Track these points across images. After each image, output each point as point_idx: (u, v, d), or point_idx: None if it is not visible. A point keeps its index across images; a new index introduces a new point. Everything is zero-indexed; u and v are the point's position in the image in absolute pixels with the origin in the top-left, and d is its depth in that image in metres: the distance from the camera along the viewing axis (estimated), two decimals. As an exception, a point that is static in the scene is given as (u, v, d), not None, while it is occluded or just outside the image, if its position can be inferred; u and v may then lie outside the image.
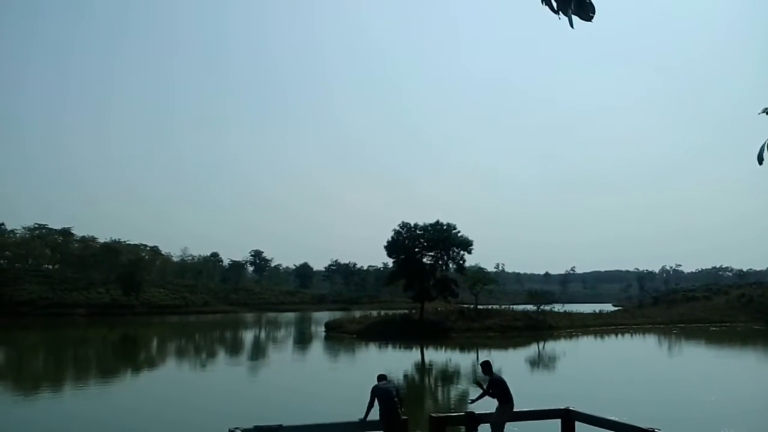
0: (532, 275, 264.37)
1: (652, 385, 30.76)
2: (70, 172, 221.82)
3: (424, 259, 67.56)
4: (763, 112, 4.60)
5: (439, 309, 72.20)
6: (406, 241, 67.00)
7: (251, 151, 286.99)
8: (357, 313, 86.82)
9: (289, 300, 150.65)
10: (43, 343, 60.77)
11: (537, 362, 43.37)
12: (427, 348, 51.16)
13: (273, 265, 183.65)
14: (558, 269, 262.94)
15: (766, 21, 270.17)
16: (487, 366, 12.37)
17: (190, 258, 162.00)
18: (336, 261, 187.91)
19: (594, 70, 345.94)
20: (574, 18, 3.60)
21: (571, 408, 11.37)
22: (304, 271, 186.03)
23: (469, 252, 67.23)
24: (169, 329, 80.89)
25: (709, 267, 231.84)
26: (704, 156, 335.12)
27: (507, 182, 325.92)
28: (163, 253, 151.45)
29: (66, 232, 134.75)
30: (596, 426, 10.81)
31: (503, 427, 11.40)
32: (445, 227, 66.59)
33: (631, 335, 64.49)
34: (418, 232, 67.11)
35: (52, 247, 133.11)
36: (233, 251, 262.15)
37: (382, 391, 11.04)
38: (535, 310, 70.16)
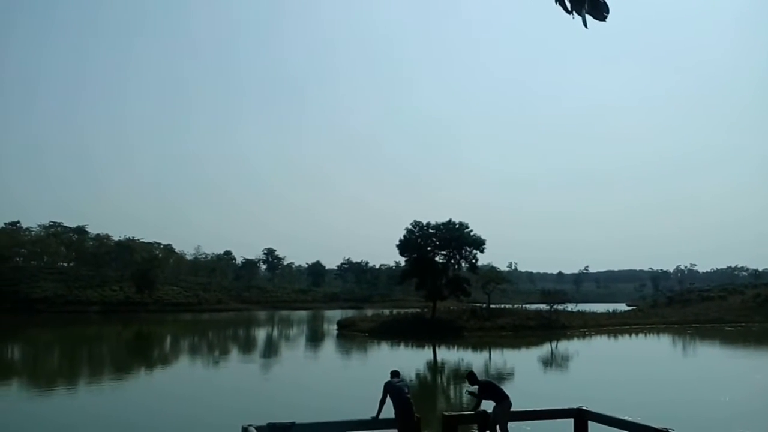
0: (545, 274, 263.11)
1: (666, 385, 30.57)
2: (85, 171, 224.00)
3: (437, 258, 67.53)
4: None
5: (451, 308, 72.13)
6: (419, 240, 66.97)
7: (264, 150, 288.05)
8: (369, 312, 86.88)
9: (302, 298, 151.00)
10: (58, 340, 61.34)
11: (550, 362, 43.22)
12: (439, 347, 51.12)
13: (285, 263, 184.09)
14: (571, 268, 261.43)
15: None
16: (471, 376, 12.42)
17: (204, 256, 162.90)
18: (348, 259, 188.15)
19: (607, 68, 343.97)
20: (588, 18, 3.60)
21: (584, 407, 11.34)
22: (316, 269, 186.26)
23: (482, 251, 67.17)
24: (182, 327, 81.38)
25: (725, 267, 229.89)
26: (719, 154, 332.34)
27: (520, 181, 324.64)
28: (176, 251, 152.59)
29: (81, 230, 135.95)
30: (609, 425, 10.77)
31: (506, 426, 11.39)
32: (457, 226, 66.49)
33: (645, 335, 64.08)
34: (430, 231, 67.05)
35: (67, 244, 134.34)
36: (246, 249, 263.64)
37: (395, 388, 11.03)
38: (548, 309, 69.89)
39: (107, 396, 27.45)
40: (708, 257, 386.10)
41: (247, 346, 57.02)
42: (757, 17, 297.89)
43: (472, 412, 12.00)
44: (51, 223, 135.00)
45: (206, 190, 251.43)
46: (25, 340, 60.49)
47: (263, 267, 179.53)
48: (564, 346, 52.47)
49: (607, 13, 3.57)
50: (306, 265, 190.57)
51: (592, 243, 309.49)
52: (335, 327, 70.44)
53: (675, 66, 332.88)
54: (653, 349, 53.34)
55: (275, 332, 76.63)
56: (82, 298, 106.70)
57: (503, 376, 33.02)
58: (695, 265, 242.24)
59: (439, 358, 45.38)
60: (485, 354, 47.65)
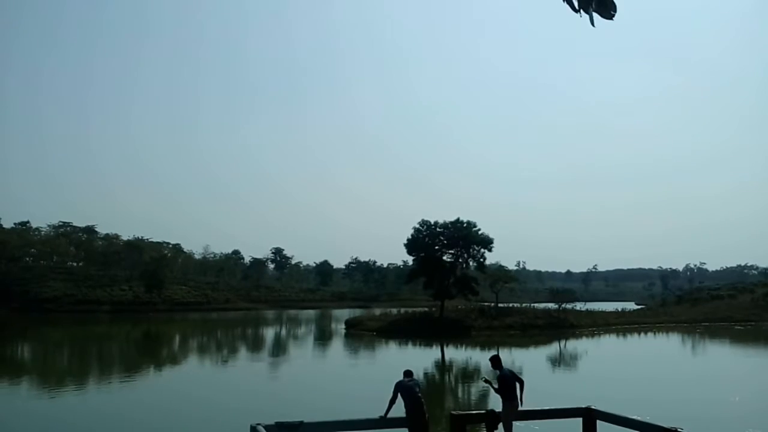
0: (554, 273, 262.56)
1: (676, 383, 30.46)
2: (94, 171, 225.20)
3: (444, 257, 67.48)
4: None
5: (459, 307, 72.07)
6: (426, 239, 66.94)
7: (272, 150, 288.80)
8: (377, 311, 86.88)
9: (310, 297, 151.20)
10: (68, 339, 61.67)
11: (558, 361, 43.12)
12: (447, 346, 51.09)
13: (293, 262, 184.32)
14: (580, 267, 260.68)
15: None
16: (495, 360, 12.30)
17: (212, 256, 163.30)
18: (356, 258, 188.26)
19: (615, 65, 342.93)
20: (595, 16, 3.58)
21: (593, 407, 11.30)
22: (324, 268, 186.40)
23: (490, 250, 67.06)
24: (191, 326, 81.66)
25: (734, 265, 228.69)
26: (729, 151, 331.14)
27: (528, 179, 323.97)
28: (185, 250, 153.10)
29: (90, 230, 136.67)
30: (618, 425, 10.73)
31: (511, 426, 11.35)
32: (465, 225, 66.40)
33: (654, 334, 63.83)
34: (438, 229, 67.00)
35: (77, 244, 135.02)
36: (254, 249, 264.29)
37: (407, 387, 11.02)
38: (557, 308, 69.73)
39: (116, 395, 27.58)
40: (718, 255, 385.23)
41: (255, 345, 57.16)
42: (763, 14, 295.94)
43: (482, 412, 11.98)
44: (60, 223, 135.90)
45: (214, 190, 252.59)
46: (34, 339, 60.85)
47: (271, 266, 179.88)
48: (573, 345, 52.34)
49: (615, 11, 3.55)
50: (314, 265, 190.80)
51: (600, 241, 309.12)
52: (343, 326, 70.51)
53: (682, 63, 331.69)
54: (662, 348, 53.12)
55: (283, 331, 76.76)
56: (91, 298, 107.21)
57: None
58: (705, 263, 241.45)
59: (447, 357, 45.36)
60: (493, 353, 47.50)
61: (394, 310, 78.87)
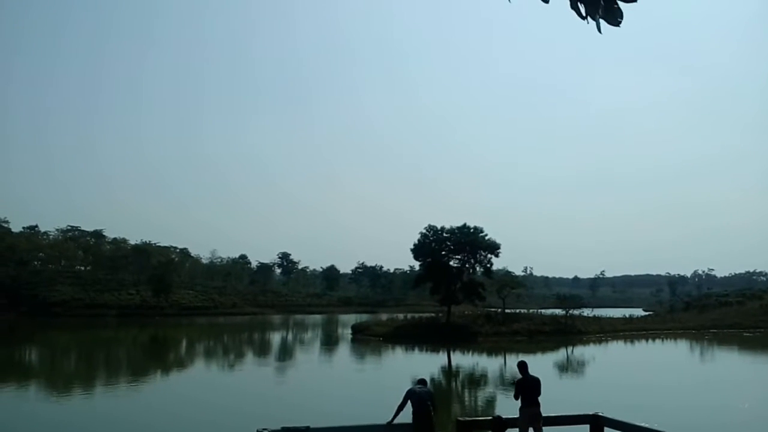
0: (561, 279, 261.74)
1: (684, 391, 30.29)
2: (101, 175, 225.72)
3: (451, 263, 67.42)
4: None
5: (466, 312, 71.93)
6: (433, 244, 66.91)
7: (279, 154, 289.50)
8: (383, 316, 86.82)
9: (316, 302, 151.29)
10: (75, 343, 61.90)
11: (566, 367, 42.95)
12: (454, 352, 51.00)
13: (300, 267, 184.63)
14: (587, 273, 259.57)
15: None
16: (521, 366, 12.29)
17: (219, 260, 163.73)
18: (362, 263, 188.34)
19: (623, 70, 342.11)
20: (602, 22, 3.60)
21: (600, 413, 11.26)
22: (330, 273, 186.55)
23: (497, 255, 66.99)
24: (197, 331, 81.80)
25: (743, 271, 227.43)
26: (737, 156, 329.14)
27: (536, 184, 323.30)
28: (192, 255, 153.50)
29: (98, 234, 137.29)
30: (625, 432, 10.68)
31: None
32: (472, 230, 66.36)
33: (662, 341, 63.53)
34: (444, 235, 66.96)
35: (85, 248, 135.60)
36: (261, 253, 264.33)
37: (417, 394, 11.00)
38: (564, 314, 69.47)
39: (124, 399, 27.65)
40: (726, 262, 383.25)
41: (262, 349, 57.20)
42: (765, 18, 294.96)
43: (489, 418, 11.95)
44: (68, 227, 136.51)
45: (222, 194, 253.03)
46: (42, 343, 61.10)
47: (278, 271, 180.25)
48: (580, 351, 52.15)
49: (622, 18, 3.57)
50: (320, 269, 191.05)
51: (608, 247, 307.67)
52: (350, 331, 70.49)
53: (689, 68, 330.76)
54: (670, 355, 52.85)
55: (290, 336, 76.80)
56: (99, 302, 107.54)
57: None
58: (713, 269, 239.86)
59: (453, 363, 45.26)
60: (500, 359, 47.46)
61: (401, 316, 78.81)
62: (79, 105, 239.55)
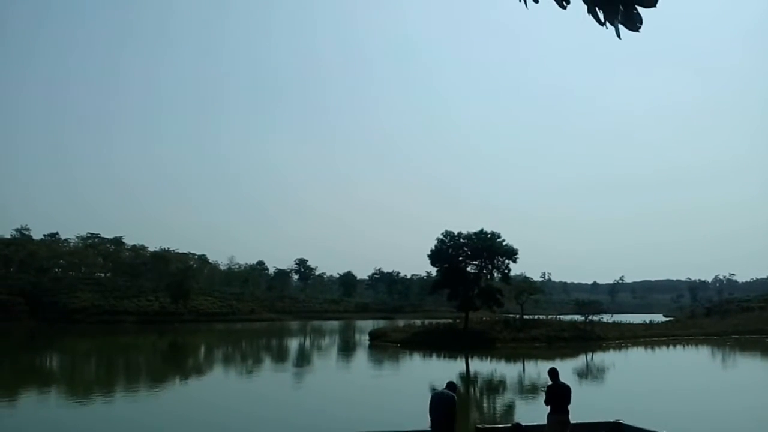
0: (580, 285, 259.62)
1: (705, 397, 29.86)
2: (121, 183, 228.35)
3: (468, 268, 67.16)
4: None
5: (484, 318, 71.58)
6: (450, 250, 66.69)
7: (296, 161, 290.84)
8: (400, 322, 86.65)
9: (333, 308, 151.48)
10: (95, 349, 62.46)
11: (585, 374, 42.52)
12: (472, 358, 50.75)
13: (317, 273, 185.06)
14: (606, 278, 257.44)
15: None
16: (551, 372, 12.22)
17: (237, 266, 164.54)
18: (379, 269, 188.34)
19: (642, 74, 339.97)
20: (621, 28, 3.57)
21: (621, 421, 11.15)
22: (347, 279, 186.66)
23: (514, 261, 66.60)
24: (216, 337, 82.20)
25: (765, 276, 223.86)
26: (757, 157, 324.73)
27: (554, 189, 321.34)
28: (210, 261, 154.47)
29: (117, 241, 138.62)
30: (647, 439, 10.56)
31: None
32: (489, 236, 66.08)
33: (683, 347, 62.74)
34: (461, 240, 66.72)
35: (104, 255, 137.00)
36: (278, 260, 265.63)
37: (435, 400, 11.00)
38: (583, 320, 68.86)
39: (143, 405, 27.82)
40: (747, 266, 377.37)
41: (279, 355, 57.32)
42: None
43: (508, 425, 11.88)
44: (88, 235, 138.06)
45: (239, 201, 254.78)
46: (63, 349, 61.73)
47: (295, 277, 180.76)
48: (600, 357, 51.65)
49: (641, 23, 3.54)
50: (337, 276, 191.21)
51: (627, 252, 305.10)
52: (367, 337, 70.41)
53: (707, 71, 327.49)
54: (692, 361, 52.16)
55: (307, 342, 76.90)
56: (118, 308, 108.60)
57: (538, 387, 32.58)
58: (734, 274, 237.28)
59: (471, 370, 45.02)
60: (519, 365, 47.13)
61: (418, 322, 78.57)
62: (98, 114, 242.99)
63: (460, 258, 66.91)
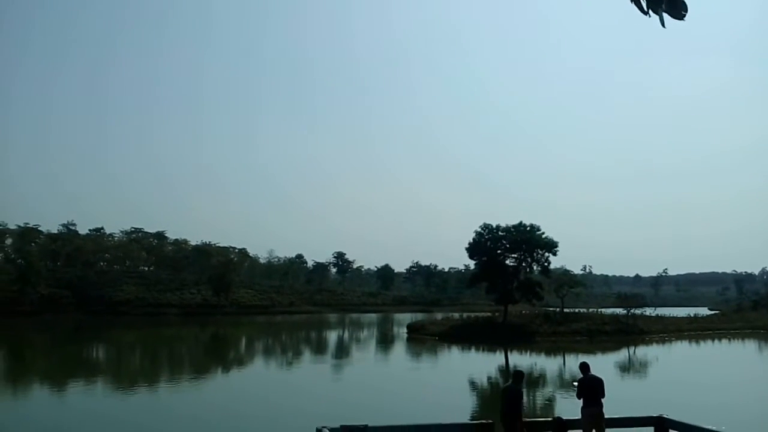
0: (621, 277, 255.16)
1: (752, 391, 29.13)
2: (163, 179, 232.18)
3: (507, 261, 66.64)
4: None
5: (523, 312, 71.00)
6: (488, 243, 66.25)
7: (335, 155, 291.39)
8: (438, 315, 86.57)
9: (371, 301, 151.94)
10: (140, 341, 63.96)
11: (628, 367, 41.92)
12: (511, 352, 50.41)
13: (355, 266, 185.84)
14: (649, 271, 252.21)
15: None
16: (582, 367, 12.12)
17: (276, 260, 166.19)
18: (417, 263, 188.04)
19: (685, 61, 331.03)
20: (665, 16, 3.50)
21: (665, 416, 10.95)
22: (385, 272, 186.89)
23: (554, 254, 65.90)
24: (256, 329, 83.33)
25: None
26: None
27: (596, 178, 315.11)
28: (251, 255, 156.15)
29: (160, 236, 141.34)
30: (692, 436, 10.36)
31: None
32: (528, 228, 65.44)
33: (729, 340, 61.29)
34: (500, 233, 66.21)
35: (148, 249, 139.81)
36: (317, 253, 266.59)
37: (505, 394, 11.17)
38: (625, 313, 67.77)
39: (185, 395, 28.42)
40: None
41: (319, 348, 57.85)
42: None
43: (549, 419, 11.79)
44: (132, 229, 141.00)
45: (278, 196, 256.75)
46: (109, 341, 63.35)
47: (333, 270, 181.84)
48: (642, 351, 50.80)
49: (686, 11, 3.46)
50: (375, 269, 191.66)
51: (671, 244, 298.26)
52: (405, 330, 70.53)
53: (752, 56, 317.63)
54: (737, 355, 50.96)
55: (346, 334, 77.42)
56: (162, 301, 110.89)
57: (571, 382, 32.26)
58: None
59: (511, 363, 44.72)
60: (559, 359, 46.65)
61: (456, 315, 78.39)
62: (140, 111, 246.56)
63: (499, 251, 66.41)
